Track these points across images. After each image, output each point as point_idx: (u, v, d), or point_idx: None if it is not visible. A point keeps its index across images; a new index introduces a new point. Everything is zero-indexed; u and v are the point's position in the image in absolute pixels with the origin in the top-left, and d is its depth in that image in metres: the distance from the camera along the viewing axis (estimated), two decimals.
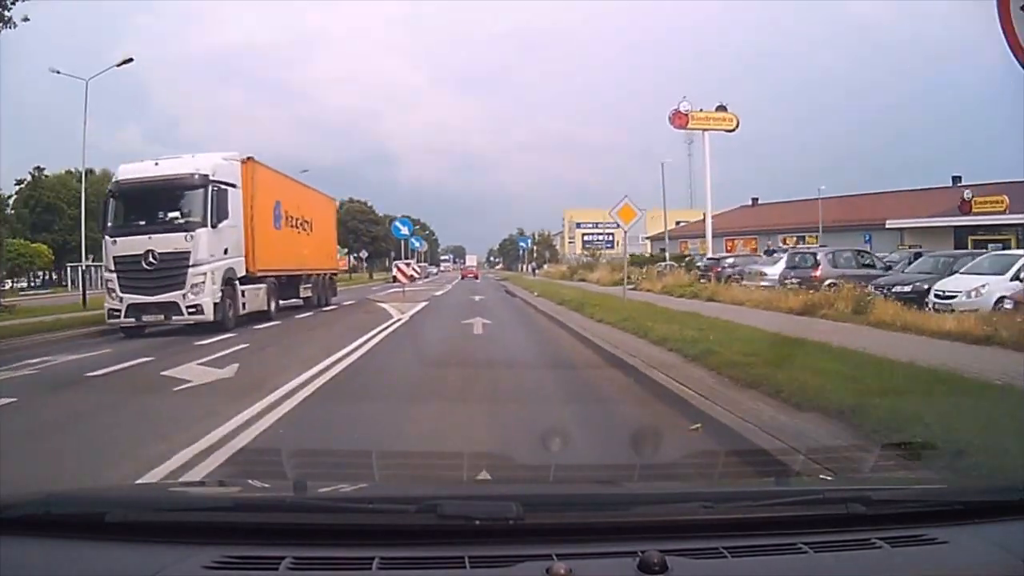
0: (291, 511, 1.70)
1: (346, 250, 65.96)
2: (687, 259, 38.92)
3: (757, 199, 60.74)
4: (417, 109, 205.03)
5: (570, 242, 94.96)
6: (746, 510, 1.77)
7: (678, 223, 70.14)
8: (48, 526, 1.59)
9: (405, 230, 30.88)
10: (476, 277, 61.36)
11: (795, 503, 1.79)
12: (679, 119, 39.20)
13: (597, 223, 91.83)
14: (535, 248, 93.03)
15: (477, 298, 26.95)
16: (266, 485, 2.35)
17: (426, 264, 66.35)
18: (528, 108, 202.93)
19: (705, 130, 38.95)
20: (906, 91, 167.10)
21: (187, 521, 1.62)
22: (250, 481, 2.70)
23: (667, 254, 44.15)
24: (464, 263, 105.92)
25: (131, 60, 28.00)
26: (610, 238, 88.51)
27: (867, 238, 35.48)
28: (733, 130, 39.55)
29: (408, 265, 34.62)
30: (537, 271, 68.43)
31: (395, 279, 28.84)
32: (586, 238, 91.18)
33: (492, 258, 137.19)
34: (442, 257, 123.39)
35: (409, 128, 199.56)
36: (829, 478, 3.44)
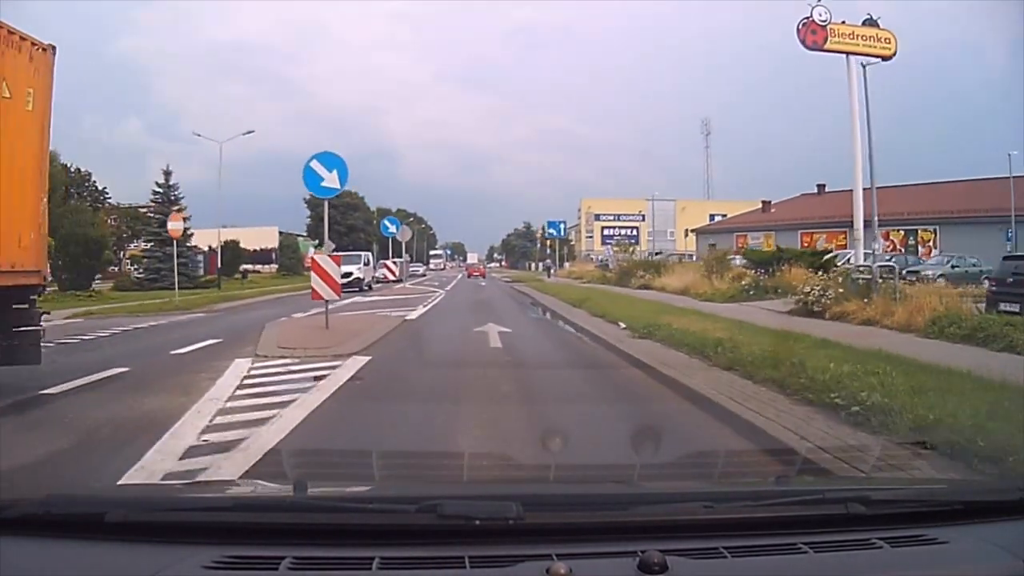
0: (291, 511, 1.70)
1: (316, 243, 56.04)
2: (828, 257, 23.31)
3: (824, 185, 48.82)
4: (419, 105, 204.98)
5: (588, 236, 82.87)
6: (746, 510, 1.77)
7: (712, 217, 63.85)
8: (48, 526, 1.59)
9: (331, 178, 13.56)
10: (483, 276, 58.52)
11: (795, 503, 1.79)
12: (813, 34, 24.32)
13: (618, 215, 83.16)
14: (549, 243, 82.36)
15: (494, 338, 12.28)
16: (266, 485, 2.35)
17: (404, 260, 45.03)
18: (529, 105, 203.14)
19: (850, 53, 24.66)
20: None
21: (187, 521, 1.62)
22: (250, 481, 2.71)
23: (792, 249, 27.74)
24: (465, 260, 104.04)
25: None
26: (634, 232, 78.08)
27: (1009, 235, 27.01)
28: (890, 56, 25.14)
29: (341, 261, 16.49)
30: (553, 271, 52.77)
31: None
32: (606, 231, 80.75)
33: (496, 255, 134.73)
34: (432, 252, 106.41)
35: (411, 124, 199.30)
36: (829, 478, 3.46)
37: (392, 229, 36.06)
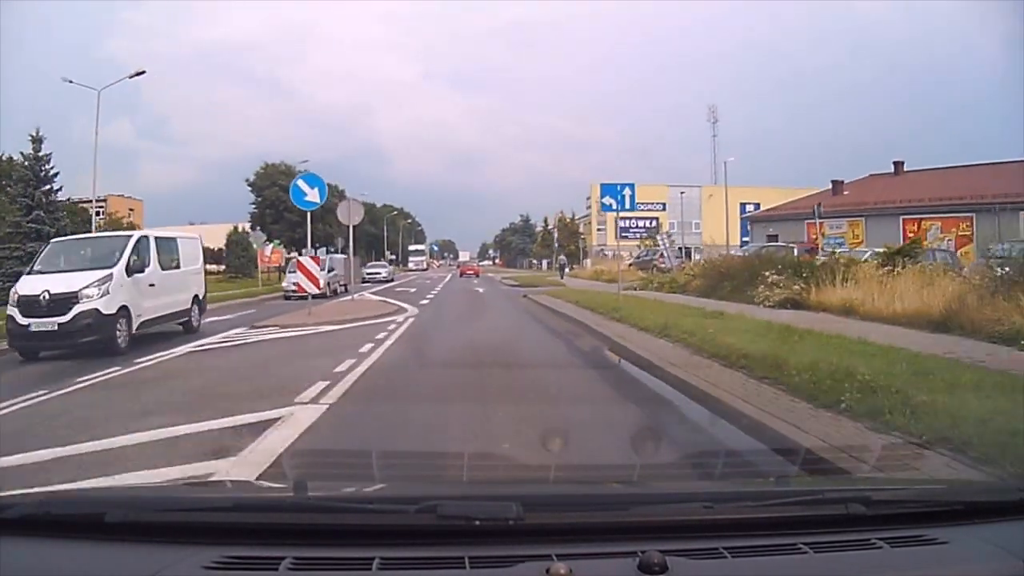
0: (291, 511, 1.70)
1: (265, 236, 44.33)
2: None
3: (902, 163, 40.47)
4: (409, 105, 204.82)
5: (599, 229, 71.15)
6: (746, 510, 1.77)
7: (743, 206, 56.92)
8: (48, 526, 1.59)
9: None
10: (476, 275, 57.43)
11: (795, 503, 1.79)
12: None
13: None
14: (558, 238, 75.05)
15: None
16: (266, 485, 2.35)
17: (337, 257, 29.53)
18: (520, 103, 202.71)
19: None
20: None
21: (187, 521, 1.62)
22: (250, 481, 2.71)
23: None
24: (456, 258, 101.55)
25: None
26: (653, 223, 64.77)
27: None
28: None
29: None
30: (567, 271, 46.88)
31: None
32: (621, 223, 72.68)
33: (490, 252, 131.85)
34: (412, 248, 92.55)
35: (401, 124, 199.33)
36: (829, 478, 3.46)
37: (310, 196, 17.14)
